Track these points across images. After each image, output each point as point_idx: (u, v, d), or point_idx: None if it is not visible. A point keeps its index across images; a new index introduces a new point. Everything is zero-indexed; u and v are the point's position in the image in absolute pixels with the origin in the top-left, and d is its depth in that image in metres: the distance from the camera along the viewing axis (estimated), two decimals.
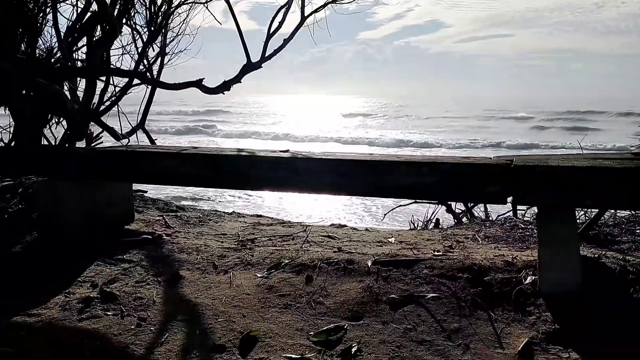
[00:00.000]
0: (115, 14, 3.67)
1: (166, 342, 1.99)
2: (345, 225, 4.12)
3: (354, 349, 1.92)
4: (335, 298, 2.26)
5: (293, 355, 1.90)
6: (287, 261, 2.58)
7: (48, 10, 4.09)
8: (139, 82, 4.61)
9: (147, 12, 4.57)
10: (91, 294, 2.36)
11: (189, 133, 28.40)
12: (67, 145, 3.71)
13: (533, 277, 2.25)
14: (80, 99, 4.19)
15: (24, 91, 3.68)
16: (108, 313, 2.20)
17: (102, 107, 4.42)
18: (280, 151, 2.79)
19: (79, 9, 4.21)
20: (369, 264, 2.48)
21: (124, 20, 4.03)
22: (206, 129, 30.34)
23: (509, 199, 2.26)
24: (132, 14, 4.29)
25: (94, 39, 3.77)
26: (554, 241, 2.15)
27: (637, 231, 3.10)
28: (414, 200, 4.38)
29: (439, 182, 2.34)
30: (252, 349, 1.95)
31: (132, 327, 2.10)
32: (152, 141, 4.91)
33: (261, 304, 2.25)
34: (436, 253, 2.73)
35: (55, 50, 4.24)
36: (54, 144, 4.12)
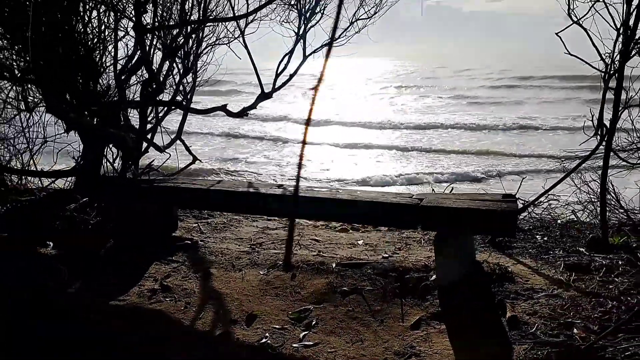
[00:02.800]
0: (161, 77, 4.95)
1: (203, 318, 3.32)
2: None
3: (313, 323, 3.21)
4: (308, 289, 3.55)
5: (277, 326, 3.20)
6: (280, 263, 3.88)
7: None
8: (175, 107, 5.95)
9: (182, 51, 5.87)
10: (155, 286, 3.70)
11: None
12: (127, 171, 5.05)
13: (435, 276, 3.50)
14: (129, 119, 5.53)
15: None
16: (167, 299, 3.54)
17: (150, 131, 5.77)
18: (276, 186, 4.05)
19: (128, 55, 5.55)
20: (333, 265, 3.76)
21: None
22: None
23: (419, 226, 3.49)
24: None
25: (146, 91, 5.04)
26: (444, 254, 3.39)
27: (537, 237, 4.29)
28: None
29: (379, 214, 3.58)
30: (254, 322, 3.26)
31: (182, 308, 3.43)
32: (187, 148, 6.25)
33: (261, 293, 3.56)
34: (384, 255, 4.00)
35: (113, 89, 5.57)
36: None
